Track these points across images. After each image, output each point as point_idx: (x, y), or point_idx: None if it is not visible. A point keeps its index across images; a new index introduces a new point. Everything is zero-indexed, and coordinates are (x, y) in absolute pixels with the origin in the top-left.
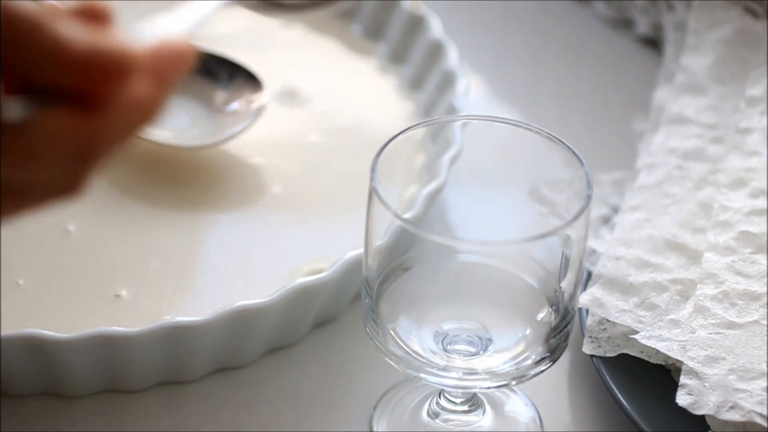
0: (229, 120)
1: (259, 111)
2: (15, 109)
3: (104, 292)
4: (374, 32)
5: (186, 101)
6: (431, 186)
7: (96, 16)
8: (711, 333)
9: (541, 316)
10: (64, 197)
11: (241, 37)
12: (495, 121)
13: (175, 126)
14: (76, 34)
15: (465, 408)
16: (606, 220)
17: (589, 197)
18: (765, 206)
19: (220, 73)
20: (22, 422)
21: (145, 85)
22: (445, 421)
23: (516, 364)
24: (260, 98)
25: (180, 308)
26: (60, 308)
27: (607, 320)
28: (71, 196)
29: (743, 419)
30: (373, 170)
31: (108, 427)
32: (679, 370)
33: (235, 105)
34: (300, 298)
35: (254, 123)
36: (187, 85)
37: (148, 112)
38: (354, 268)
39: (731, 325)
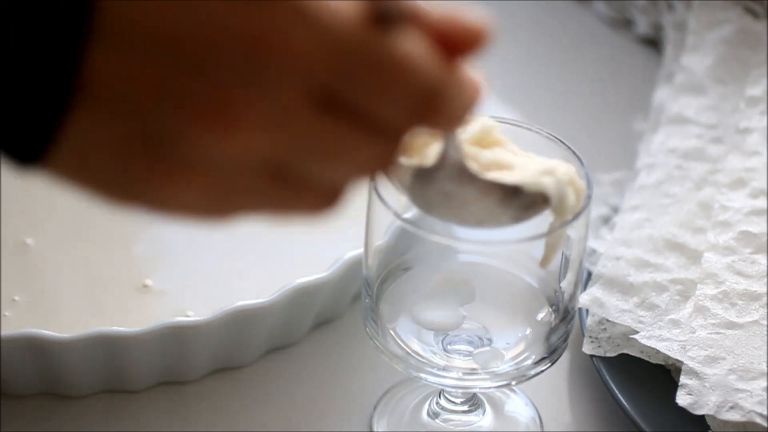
0: None
1: None
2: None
3: (104, 290)
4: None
5: None
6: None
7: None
8: (711, 333)
9: (541, 316)
10: (322, 208)
11: None
12: (495, 121)
13: None
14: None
15: (465, 408)
16: (606, 220)
17: (588, 197)
18: (765, 206)
19: None
20: (22, 422)
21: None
22: (445, 421)
23: (516, 364)
24: None
25: (180, 308)
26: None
27: (607, 320)
28: (328, 207)
29: (743, 419)
30: None
31: (108, 427)
32: (679, 370)
33: None
34: (300, 298)
35: None
36: None
37: (475, 92)
38: (354, 268)
39: (731, 325)
